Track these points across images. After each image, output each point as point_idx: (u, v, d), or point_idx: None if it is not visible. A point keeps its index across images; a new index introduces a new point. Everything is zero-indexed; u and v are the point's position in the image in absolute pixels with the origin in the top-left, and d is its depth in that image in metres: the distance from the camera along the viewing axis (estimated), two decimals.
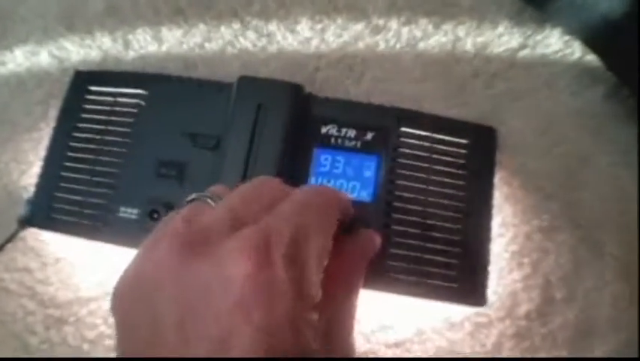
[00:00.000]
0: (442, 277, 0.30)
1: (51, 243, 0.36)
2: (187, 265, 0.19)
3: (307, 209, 0.22)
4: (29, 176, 0.36)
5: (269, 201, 0.22)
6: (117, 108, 0.33)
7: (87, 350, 0.35)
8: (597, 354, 0.34)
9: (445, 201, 0.31)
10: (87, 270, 0.36)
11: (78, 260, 0.35)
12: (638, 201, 0.35)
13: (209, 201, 0.23)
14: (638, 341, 0.33)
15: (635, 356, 0.33)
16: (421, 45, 0.35)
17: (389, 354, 0.35)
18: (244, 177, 0.30)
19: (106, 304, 0.36)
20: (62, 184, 0.33)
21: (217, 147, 0.31)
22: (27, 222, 0.33)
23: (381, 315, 0.35)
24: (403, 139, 0.31)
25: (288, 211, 0.21)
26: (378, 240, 0.28)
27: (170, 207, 0.30)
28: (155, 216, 0.30)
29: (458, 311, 0.34)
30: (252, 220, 0.21)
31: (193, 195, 0.24)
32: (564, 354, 0.35)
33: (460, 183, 0.31)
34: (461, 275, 0.30)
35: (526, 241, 0.35)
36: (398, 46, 0.35)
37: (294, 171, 0.30)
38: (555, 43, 0.37)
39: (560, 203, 0.36)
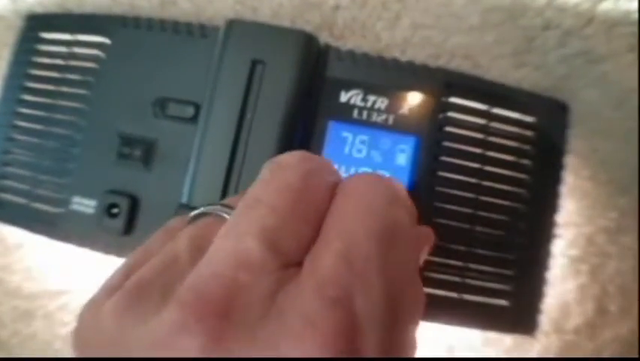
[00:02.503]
0: (490, 296, 0.19)
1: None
2: None
3: (389, 229, 0.11)
4: None
5: (320, 208, 0.12)
6: (72, 62, 0.21)
7: (59, 348, 0.26)
8: None
9: (502, 202, 0.19)
10: (54, 259, 0.25)
11: (45, 246, 0.25)
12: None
13: (227, 218, 0.12)
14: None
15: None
16: None
17: None
18: (232, 160, 0.18)
19: (75, 300, 0.26)
20: (8, 163, 0.22)
21: (195, 118, 0.19)
22: None
23: None
24: (451, 114, 0.19)
25: (365, 243, 0.10)
26: (432, 236, 0.17)
27: (134, 200, 0.19)
28: (115, 211, 0.19)
29: None
30: (302, 251, 0.11)
31: (201, 209, 0.13)
32: None
33: (521, 177, 0.20)
34: (513, 296, 0.20)
35: (588, 245, 0.24)
36: None
37: None
38: None
39: (631, 198, 0.24)
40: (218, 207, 0.13)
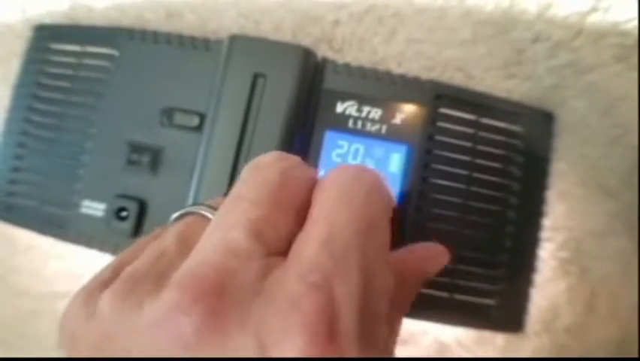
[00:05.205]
0: (477, 296, 0.21)
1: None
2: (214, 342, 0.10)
3: (366, 220, 0.12)
4: None
5: (298, 200, 0.13)
6: (81, 73, 0.23)
7: None
8: None
9: (489, 207, 0.21)
10: (62, 260, 0.27)
11: (52, 249, 0.27)
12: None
13: (208, 215, 0.14)
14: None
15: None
16: None
17: None
18: (235, 167, 0.20)
19: None
20: (20, 168, 0.24)
21: (200, 127, 0.21)
22: None
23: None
24: (441, 124, 0.21)
25: (345, 232, 0.12)
26: (447, 257, 0.18)
27: (142, 204, 0.21)
28: (124, 214, 0.21)
29: None
30: (284, 242, 0.12)
31: (186, 209, 0.15)
32: None
33: (508, 183, 0.22)
34: (500, 296, 0.21)
35: (578, 247, 0.26)
36: None
37: None
38: (629, 9, 0.26)
39: (619, 203, 0.26)
40: (202, 207, 0.15)
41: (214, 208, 0.14)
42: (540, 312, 0.26)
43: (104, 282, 0.13)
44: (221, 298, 0.11)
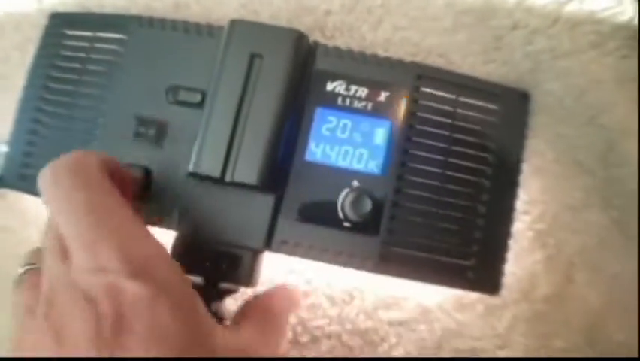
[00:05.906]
0: (455, 257, 0.24)
1: (32, 197, 0.30)
2: None
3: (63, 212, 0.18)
4: (8, 128, 0.29)
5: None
6: (93, 55, 0.26)
7: None
8: (614, 341, 0.28)
9: (466, 177, 0.24)
10: None
11: None
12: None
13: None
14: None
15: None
16: None
17: (392, 333, 0.29)
18: (231, 140, 0.22)
19: None
20: (35, 142, 0.26)
21: (202, 103, 0.23)
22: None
23: (385, 291, 0.29)
24: (422, 102, 0.24)
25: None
26: (299, 298, 0.24)
27: (147, 172, 0.23)
28: None
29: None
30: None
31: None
32: (580, 341, 0.29)
33: (485, 155, 0.24)
34: (476, 258, 0.24)
35: (554, 220, 0.28)
36: None
37: (291, 134, 0.23)
38: None
39: (595, 179, 0.28)
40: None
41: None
42: (518, 281, 0.28)
43: None
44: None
